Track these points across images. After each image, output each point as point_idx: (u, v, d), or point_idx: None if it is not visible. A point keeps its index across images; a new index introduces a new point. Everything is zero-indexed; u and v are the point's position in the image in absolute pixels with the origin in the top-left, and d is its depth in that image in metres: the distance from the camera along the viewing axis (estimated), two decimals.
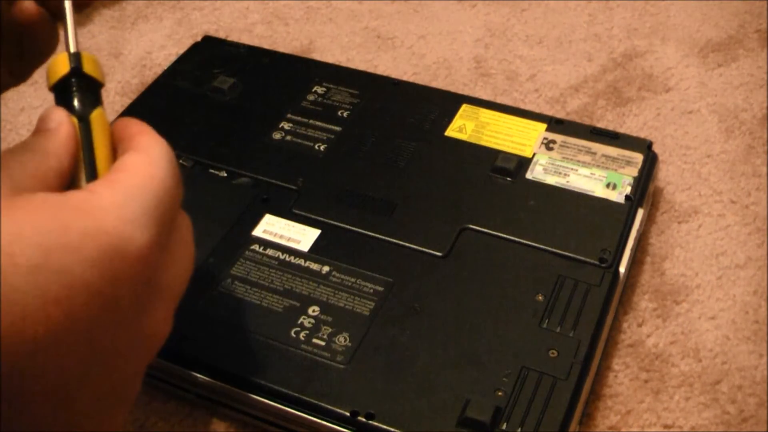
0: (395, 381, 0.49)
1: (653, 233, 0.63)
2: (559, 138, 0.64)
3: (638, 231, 0.58)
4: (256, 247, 0.57)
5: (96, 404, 0.34)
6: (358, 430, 0.47)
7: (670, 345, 0.56)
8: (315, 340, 0.51)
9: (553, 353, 0.50)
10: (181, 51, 0.75)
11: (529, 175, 0.61)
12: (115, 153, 0.39)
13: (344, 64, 0.78)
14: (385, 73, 0.76)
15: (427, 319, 0.52)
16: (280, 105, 0.68)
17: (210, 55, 0.73)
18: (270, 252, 0.56)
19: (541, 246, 0.56)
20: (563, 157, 0.62)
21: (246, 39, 0.82)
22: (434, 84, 0.76)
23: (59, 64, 0.39)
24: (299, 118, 0.67)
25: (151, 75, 0.78)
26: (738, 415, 0.52)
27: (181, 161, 0.63)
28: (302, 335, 0.51)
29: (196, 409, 0.53)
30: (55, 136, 0.36)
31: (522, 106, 0.72)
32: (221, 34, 0.82)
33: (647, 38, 0.81)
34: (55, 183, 0.35)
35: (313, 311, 0.52)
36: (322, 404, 0.48)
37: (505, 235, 0.57)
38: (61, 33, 0.44)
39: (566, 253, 0.55)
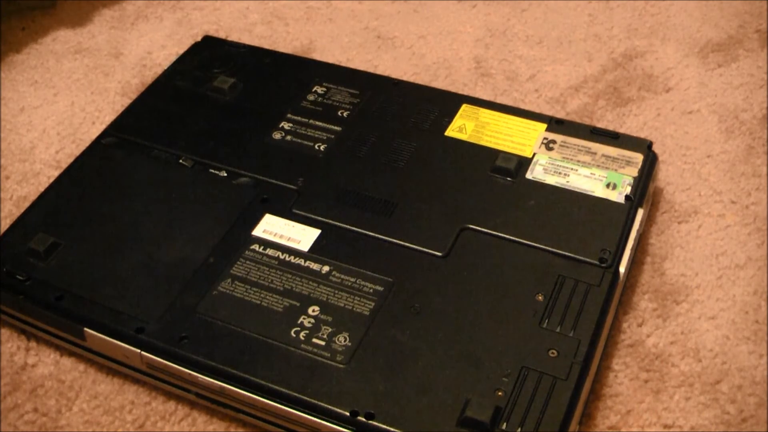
0: (395, 381, 0.49)
1: (653, 233, 0.63)
2: (559, 138, 0.64)
3: (638, 231, 0.58)
4: (256, 247, 0.56)
5: None
6: (358, 429, 0.47)
7: (670, 345, 0.56)
8: (315, 340, 0.51)
9: (553, 353, 0.50)
10: (181, 51, 0.75)
11: (529, 175, 0.61)
12: None
13: (344, 64, 0.78)
14: (385, 73, 0.76)
15: (427, 319, 0.52)
16: (280, 105, 0.68)
17: (210, 55, 0.73)
18: (270, 252, 0.56)
19: (541, 246, 0.56)
20: (563, 157, 0.62)
21: (246, 39, 0.82)
22: (434, 84, 0.76)
23: None
24: (299, 118, 0.67)
25: (151, 75, 0.78)
26: (738, 415, 0.52)
27: (181, 161, 0.63)
28: (302, 335, 0.51)
29: (196, 409, 0.53)
30: None
31: (522, 106, 0.72)
32: (221, 34, 0.82)
33: (647, 38, 0.81)
34: None
35: (313, 311, 0.52)
36: (322, 404, 0.48)
37: (505, 235, 0.57)
38: None
39: (566, 253, 0.55)
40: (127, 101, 0.74)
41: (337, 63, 0.76)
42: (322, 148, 0.64)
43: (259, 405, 0.49)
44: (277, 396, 0.49)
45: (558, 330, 0.51)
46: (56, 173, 0.65)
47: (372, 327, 0.51)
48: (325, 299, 0.53)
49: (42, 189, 0.63)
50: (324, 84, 0.70)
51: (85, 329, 0.53)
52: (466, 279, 0.54)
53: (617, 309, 0.57)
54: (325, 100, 0.68)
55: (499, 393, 0.48)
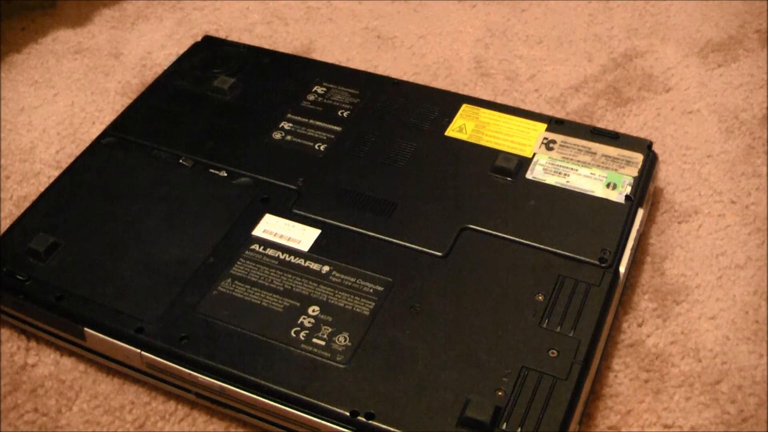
0: (395, 381, 0.49)
1: (653, 233, 0.63)
2: (559, 138, 0.64)
3: (638, 231, 0.58)
4: (256, 247, 0.57)
5: None
6: (358, 429, 0.47)
7: (670, 345, 0.56)
8: (315, 340, 0.51)
9: (553, 353, 0.50)
10: (181, 51, 0.75)
11: (529, 175, 0.61)
12: None
13: (344, 64, 0.78)
14: (385, 73, 0.76)
15: (427, 319, 0.52)
16: (280, 105, 0.68)
17: (210, 55, 0.73)
18: (270, 252, 0.56)
19: (541, 246, 0.56)
20: (563, 157, 0.62)
21: (246, 39, 0.82)
22: (434, 84, 0.76)
23: None
24: (299, 118, 0.67)
25: (151, 75, 0.78)
26: (738, 415, 0.52)
27: (181, 161, 0.63)
28: (302, 335, 0.51)
29: (196, 409, 0.53)
30: None
31: (522, 106, 0.72)
32: (221, 34, 0.82)
33: (647, 38, 0.81)
34: None
35: (313, 311, 0.52)
36: (322, 404, 0.48)
37: (505, 235, 0.57)
38: None
39: (566, 253, 0.55)
40: (127, 101, 0.74)
41: (337, 63, 0.76)
42: (322, 148, 0.64)
43: (259, 405, 0.49)
44: (277, 396, 0.49)
45: (558, 330, 0.51)
46: (56, 173, 0.65)
47: (372, 327, 0.51)
48: (325, 299, 0.53)
49: (42, 189, 0.63)
50: (324, 84, 0.70)
51: (85, 329, 0.53)
52: (466, 279, 0.54)
53: (617, 309, 0.57)
54: (325, 100, 0.68)
55: (499, 393, 0.48)
